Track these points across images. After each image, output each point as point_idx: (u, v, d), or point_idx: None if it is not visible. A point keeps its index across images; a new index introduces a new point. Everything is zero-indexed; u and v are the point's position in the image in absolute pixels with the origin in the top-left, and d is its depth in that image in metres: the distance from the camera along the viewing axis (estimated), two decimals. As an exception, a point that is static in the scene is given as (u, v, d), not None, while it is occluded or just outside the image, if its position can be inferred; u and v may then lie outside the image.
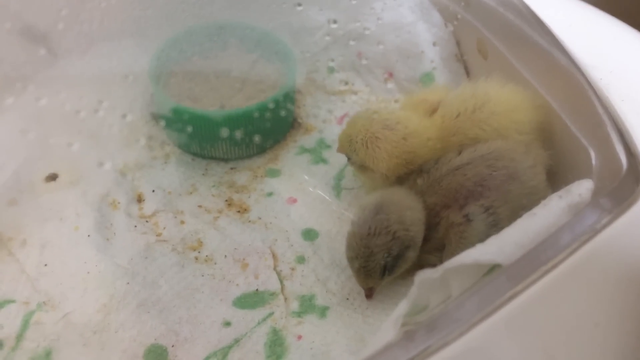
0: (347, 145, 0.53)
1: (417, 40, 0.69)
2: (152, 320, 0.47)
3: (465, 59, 0.69)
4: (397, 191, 0.48)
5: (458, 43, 0.69)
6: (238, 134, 0.59)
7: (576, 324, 0.36)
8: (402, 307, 0.35)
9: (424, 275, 0.36)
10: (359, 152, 0.52)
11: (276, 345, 0.46)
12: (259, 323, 0.48)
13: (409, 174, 0.51)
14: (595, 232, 0.38)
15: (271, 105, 0.59)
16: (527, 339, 0.35)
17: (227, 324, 0.48)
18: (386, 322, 0.35)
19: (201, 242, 0.53)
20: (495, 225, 0.46)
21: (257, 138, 0.60)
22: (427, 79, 0.68)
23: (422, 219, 0.47)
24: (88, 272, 0.49)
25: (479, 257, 0.37)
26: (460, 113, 0.51)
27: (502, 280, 0.36)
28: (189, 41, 0.66)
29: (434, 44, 0.69)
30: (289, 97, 0.62)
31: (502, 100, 0.51)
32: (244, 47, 0.67)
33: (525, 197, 0.47)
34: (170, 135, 0.62)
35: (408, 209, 0.47)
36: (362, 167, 0.53)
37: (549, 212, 0.40)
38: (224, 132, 0.58)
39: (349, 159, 0.54)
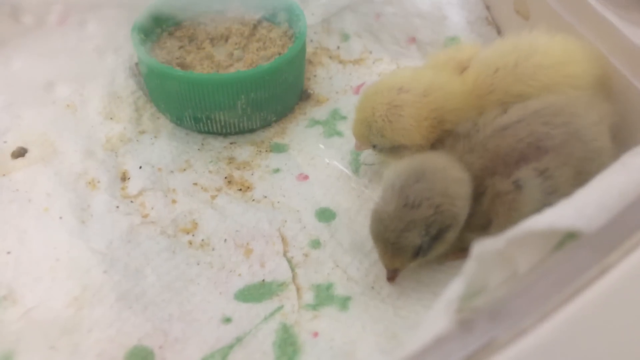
0: (367, 132, 0.45)
1: (440, 3, 0.61)
2: (134, 317, 0.39)
3: (499, 23, 0.61)
4: (440, 157, 0.40)
5: (489, 6, 0.61)
6: (238, 103, 0.50)
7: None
8: (456, 288, 0.27)
9: (483, 247, 0.28)
10: (384, 131, 0.43)
11: (287, 345, 0.37)
12: (265, 319, 0.39)
13: (444, 139, 0.43)
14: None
15: (276, 69, 0.50)
16: (625, 325, 0.26)
17: (227, 320, 0.39)
18: (435, 308, 0.27)
19: (196, 223, 0.45)
20: (553, 193, 0.38)
21: (259, 108, 0.52)
22: (452, 43, 0.59)
23: (469, 194, 0.39)
24: (57, 260, 0.41)
25: (554, 222, 0.28)
26: (498, 68, 0.44)
27: (584, 252, 0.28)
28: (181, 2, 0.57)
29: (459, 7, 0.61)
30: (297, 61, 0.53)
31: (552, 52, 0.44)
32: (245, 8, 0.59)
33: (588, 161, 0.39)
34: (159, 106, 0.54)
35: (455, 179, 0.38)
36: (393, 149, 0.45)
37: (637, 166, 0.31)
38: (221, 100, 0.50)
39: (374, 148, 0.46)
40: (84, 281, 0.40)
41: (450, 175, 0.38)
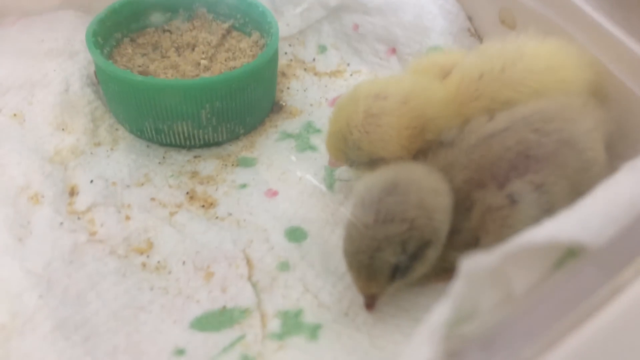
0: (342, 146, 0.41)
1: (421, 13, 0.57)
2: (72, 350, 0.34)
3: (482, 34, 0.58)
4: (415, 167, 0.36)
5: (471, 17, 0.59)
6: (202, 113, 0.46)
7: None
8: (442, 311, 0.22)
9: (473, 264, 0.23)
10: (361, 143, 0.40)
11: (247, 380, 0.32)
12: (224, 350, 0.34)
13: (426, 150, 0.39)
14: None
15: (243, 77, 0.46)
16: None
17: (180, 352, 0.34)
18: (418, 335, 0.22)
19: (151, 243, 0.40)
20: (550, 210, 0.34)
21: (226, 119, 0.48)
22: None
23: (450, 206, 0.35)
24: (-15, 282, 0.36)
25: (555, 235, 0.24)
26: (483, 73, 0.40)
27: (590, 270, 0.24)
28: (144, 7, 0.53)
29: (440, 18, 0.58)
30: (267, 70, 0.50)
31: (542, 55, 0.41)
32: (214, 14, 0.55)
33: (582, 172, 0.35)
34: (118, 116, 0.49)
35: (432, 191, 0.34)
36: (372, 162, 0.40)
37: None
38: (184, 109, 0.46)
39: (351, 163, 0.42)
40: (15, 307, 0.34)
41: (426, 185, 0.34)
